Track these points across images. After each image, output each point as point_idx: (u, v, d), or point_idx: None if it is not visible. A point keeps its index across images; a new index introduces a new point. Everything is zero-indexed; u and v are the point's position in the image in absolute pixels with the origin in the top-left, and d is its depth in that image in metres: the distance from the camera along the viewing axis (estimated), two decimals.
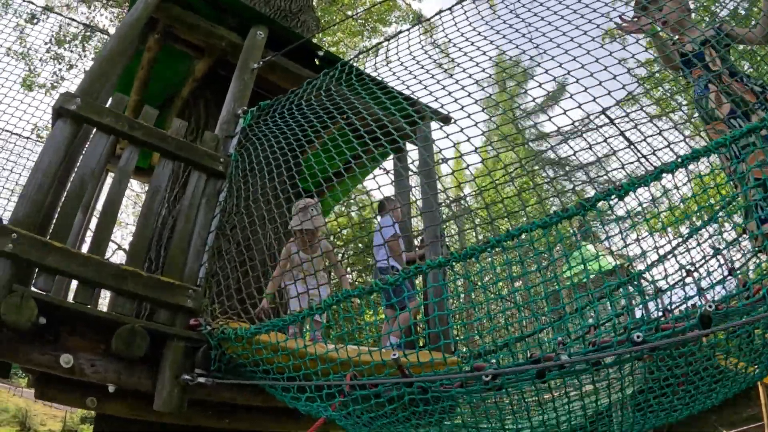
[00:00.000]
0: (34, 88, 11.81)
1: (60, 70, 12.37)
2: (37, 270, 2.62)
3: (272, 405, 3.03)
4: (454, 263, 1.94)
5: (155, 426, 3.35)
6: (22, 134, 6.87)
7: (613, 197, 1.90)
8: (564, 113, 2.54)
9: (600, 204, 1.93)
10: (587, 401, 2.57)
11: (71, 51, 12.42)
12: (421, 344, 3.40)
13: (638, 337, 1.40)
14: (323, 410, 2.08)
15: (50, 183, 2.75)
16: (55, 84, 12.20)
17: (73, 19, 11.17)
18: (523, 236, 1.98)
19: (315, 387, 2.10)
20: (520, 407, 2.75)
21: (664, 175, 1.85)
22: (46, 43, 11.48)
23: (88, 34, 12.48)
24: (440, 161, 3.51)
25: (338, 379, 2.10)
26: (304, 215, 3.37)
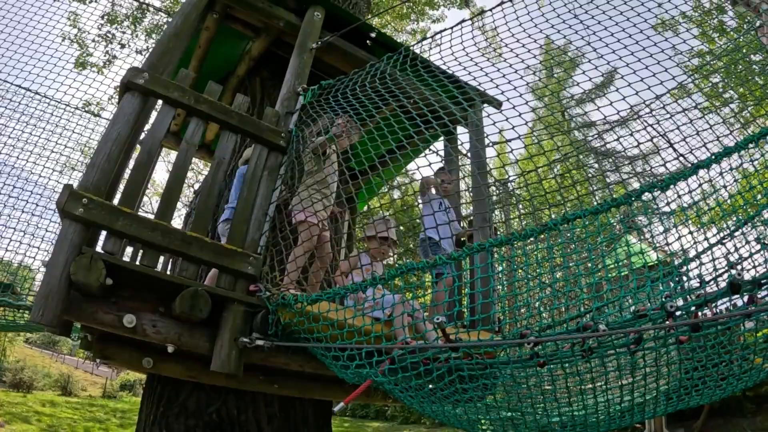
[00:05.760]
0: (87, 67, 12.25)
1: (111, 49, 12.77)
2: (105, 233, 2.77)
3: (322, 372, 3.14)
4: (514, 242, 2.01)
5: (205, 388, 3.51)
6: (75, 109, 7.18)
7: (656, 190, 2.03)
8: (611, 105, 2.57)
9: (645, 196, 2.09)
10: (618, 394, 2.62)
11: (122, 31, 12.80)
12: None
13: (671, 306, 1.45)
14: (373, 376, 2.17)
15: (119, 152, 2.87)
16: (107, 63, 12.62)
17: None
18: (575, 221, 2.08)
19: (365, 354, 2.19)
20: (555, 392, 2.81)
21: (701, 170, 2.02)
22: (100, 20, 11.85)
23: (139, 14, 12.83)
24: (490, 144, 3.53)
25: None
26: (386, 226, 3.44)
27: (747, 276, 1.70)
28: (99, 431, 16.61)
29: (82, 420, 17.85)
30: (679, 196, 2.13)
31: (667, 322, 1.62)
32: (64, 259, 2.48)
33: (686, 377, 2.74)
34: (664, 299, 1.79)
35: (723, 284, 1.97)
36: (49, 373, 27.04)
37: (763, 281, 1.66)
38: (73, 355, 38.17)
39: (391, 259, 3.81)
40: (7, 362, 24.58)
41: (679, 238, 2.51)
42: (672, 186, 1.99)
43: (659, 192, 2.01)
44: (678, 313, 1.62)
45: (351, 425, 22.17)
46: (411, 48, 3.53)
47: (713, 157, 2.00)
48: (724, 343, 2.56)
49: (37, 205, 6.25)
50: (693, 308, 1.62)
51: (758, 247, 2.53)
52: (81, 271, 2.43)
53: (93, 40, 12.19)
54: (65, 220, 2.59)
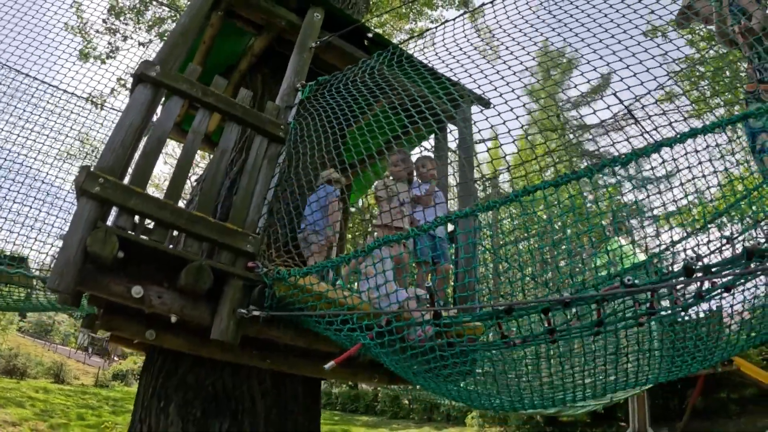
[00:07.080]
0: (90, 59, 12.43)
1: (114, 41, 12.94)
2: (117, 211, 3.01)
3: (313, 348, 3.39)
4: (480, 212, 2.24)
5: (204, 364, 3.75)
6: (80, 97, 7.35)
7: (617, 165, 2.20)
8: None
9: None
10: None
11: (125, 24, 12.98)
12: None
13: (629, 280, 1.69)
14: (362, 339, 2.43)
15: (132, 138, 3.12)
16: (110, 54, 12.78)
17: None
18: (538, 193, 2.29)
19: (357, 318, 2.44)
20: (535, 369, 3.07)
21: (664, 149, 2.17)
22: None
23: (142, 7, 13.03)
24: (478, 141, 3.78)
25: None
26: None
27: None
28: (92, 417, 16.80)
29: (75, 406, 18.05)
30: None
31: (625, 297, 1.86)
32: (80, 234, 2.70)
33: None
34: (622, 276, 2.02)
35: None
36: (42, 361, 27.12)
37: (714, 268, 1.89)
38: (66, 344, 38.31)
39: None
40: (0, 349, 24.67)
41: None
42: (633, 162, 2.09)
43: (620, 167, 2.12)
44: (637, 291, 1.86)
45: (341, 419, 22.43)
46: (401, 47, 3.78)
47: (678, 136, 2.06)
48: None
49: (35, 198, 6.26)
50: (649, 285, 1.85)
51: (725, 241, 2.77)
52: (97, 243, 2.67)
53: (97, 31, 12.38)
54: (82, 198, 2.81)
